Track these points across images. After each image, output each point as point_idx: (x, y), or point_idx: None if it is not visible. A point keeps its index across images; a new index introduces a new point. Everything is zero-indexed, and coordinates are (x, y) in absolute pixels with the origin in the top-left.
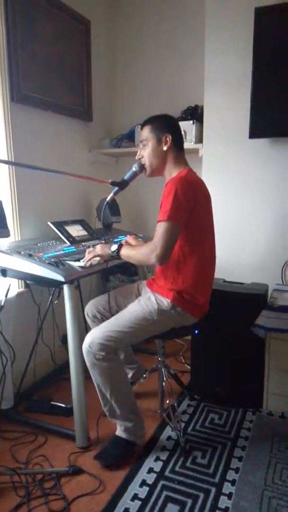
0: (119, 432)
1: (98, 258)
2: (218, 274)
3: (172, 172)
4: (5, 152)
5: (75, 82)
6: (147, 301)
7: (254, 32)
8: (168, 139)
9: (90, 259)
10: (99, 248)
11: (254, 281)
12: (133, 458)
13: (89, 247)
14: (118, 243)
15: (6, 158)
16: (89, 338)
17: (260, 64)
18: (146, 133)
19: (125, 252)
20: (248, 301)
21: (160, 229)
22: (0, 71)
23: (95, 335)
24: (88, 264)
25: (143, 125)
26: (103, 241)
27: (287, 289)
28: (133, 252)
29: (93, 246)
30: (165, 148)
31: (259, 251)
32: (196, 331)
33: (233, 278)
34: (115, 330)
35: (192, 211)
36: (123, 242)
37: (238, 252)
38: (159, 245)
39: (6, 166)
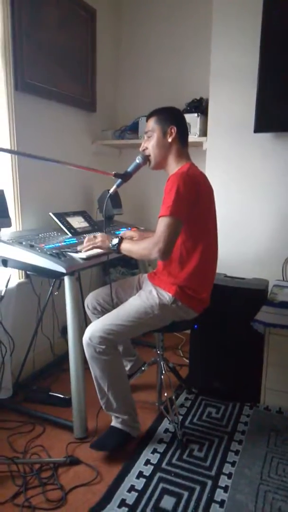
0: (114, 423)
1: (97, 250)
2: (219, 268)
3: (175, 166)
4: (8, 141)
5: (79, 72)
6: (148, 295)
7: (262, 25)
8: (173, 130)
9: (88, 248)
10: (99, 239)
11: (255, 276)
12: (129, 449)
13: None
14: (119, 237)
15: (8, 147)
16: (89, 331)
17: (267, 58)
18: (151, 124)
19: (126, 247)
20: (248, 296)
21: (162, 224)
22: (4, 59)
23: (96, 328)
24: (83, 252)
25: (149, 116)
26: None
27: (287, 285)
28: (135, 246)
29: (95, 234)
30: (170, 140)
31: (260, 246)
32: (196, 326)
33: (234, 273)
34: (116, 324)
35: (194, 206)
36: (122, 235)
37: (240, 247)
38: (161, 240)
39: (9, 155)
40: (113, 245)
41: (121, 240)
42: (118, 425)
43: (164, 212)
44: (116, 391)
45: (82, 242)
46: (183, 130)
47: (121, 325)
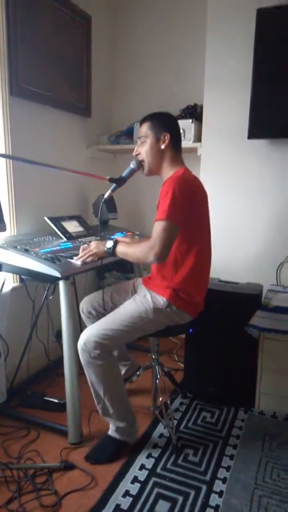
0: (111, 432)
1: (92, 257)
2: (214, 273)
3: (168, 171)
4: (3, 145)
5: (74, 77)
6: (142, 299)
7: (255, 32)
8: (166, 137)
9: (84, 258)
10: (93, 246)
11: (249, 281)
12: (124, 454)
13: (84, 243)
14: (114, 240)
15: (3, 152)
16: (84, 336)
17: (260, 65)
18: (145, 130)
19: (121, 250)
20: (242, 301)
21: (158, 228)
22: (0, 64)
23: (91, 333)
24: (79, 263)
25: (142, 121)
26: (99, 238)
27: (281, 290)
28: (131, 250)
29: (88, 243)
30: (163, 146)
31: (255, 251)
32: (190, 330)
33: (228, 277)
34: (110, 329)
35: (189, 210)
36: (118, 238)
37: (234, 252)
38: (157, 244)
39: (4, 160)
40: (108, 249)
41: (116, 243)
42: (115, 435)
43: (160, 216)
44: (112, 396)
45: (77, 247)
46: (176, 137)
47: (116, 330)
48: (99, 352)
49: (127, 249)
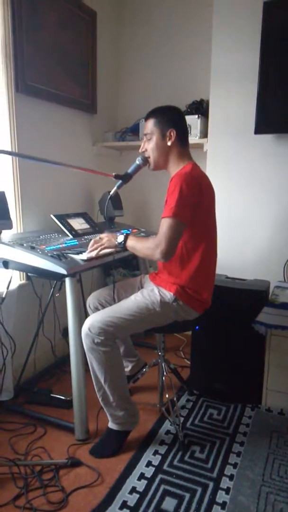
0: (111, 424)
1: (107, 250)
2: (221, 270)
3: (176, 167)
4: (9, 143)
5: (80, 74)
6: (150, 293)
7: (262, 27)
8: (172, 133)
9: (97, 252)
10: (105, 239)
11: (256, 277)
12: (131, 451)
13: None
14: (125, 234)
15: (9, 149)
16: (89, 321)
17: (267, 60)
18: (150, 126)
19: (131, 244)
20: (249, 298)
21: (165, 225)
22: (5, 61)
23: (96, 318)
24: (93, 254)
25: (147, 117)
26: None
27: None
28: (140, 245)
29: (99, 236)
30: (169, 143)
31: (261, 247)
32: (197, 327)
33: (235, 274)
34: (116, 316)
35: (197, 206)
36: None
37: (241, 248)
38: (163, 242)
39: (10, 157)
40: (119, 243)
41: (126, 237)
42: (115, 426)
43: (167, 213)
44: (112, 384)
45: (83, 244)
46: (183, 132)
47: (122, 318)
48: (103, 338)
49: (136, 244)
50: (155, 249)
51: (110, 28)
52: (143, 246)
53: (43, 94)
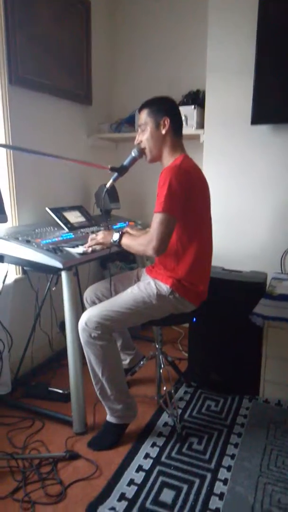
0: (109, 417)
1: (98, 247)
2: (217, 262)
3: (168, 159)
4: (3, 135)
5: (74, 65)
6: (146, 286)
7: (258, 17)
8: (166, 122)
9: (91, 246)
10: (101, 236)
11: (253, 269)
12: (128, 443)
13: (93, 232)
14: (120, 232)
15: (4, 142)
16: (86, 316)
17: (263, 50)
18: (144, 117)
19: (125, 242)
20: (246, 290)
21: (155, 221)
22: None
23: (93, 313)
24: (89, 250)
25: (140, 109)
26: (103, 228)
27: (286, 278)
28: (133, 242)
29: (96, 232)
30: (163, 131)
31: (258, 239)
32: (194, 319)
33: (232, 266)
34: (113, 310)
35: (188, 200)
36: (124, 230)
37: (238, 240)
38: (154, 237)
39: (4, 150)
40: (114, 241)
41: (121, 235)
42: (113, 420)
43: (157, 209)
44: (110, 377)
45: (79, 237)
46: (176, 121)
47: (119, 312)
48: (100, 332)
49: (130, 242)
50: (147, 245)
51: (105, 19)
52: (136, 243)
53: (36, 86)
